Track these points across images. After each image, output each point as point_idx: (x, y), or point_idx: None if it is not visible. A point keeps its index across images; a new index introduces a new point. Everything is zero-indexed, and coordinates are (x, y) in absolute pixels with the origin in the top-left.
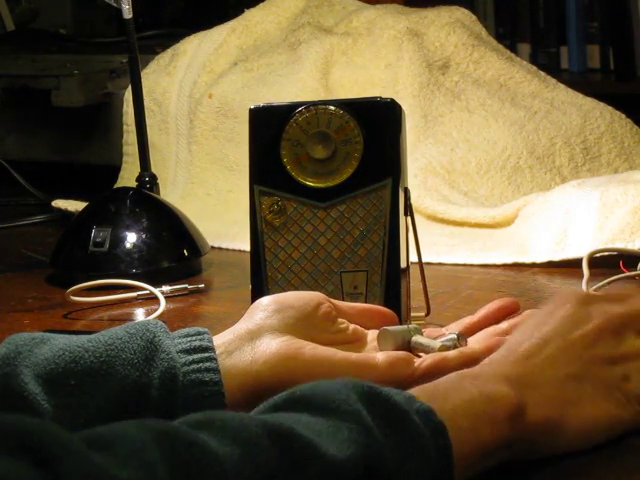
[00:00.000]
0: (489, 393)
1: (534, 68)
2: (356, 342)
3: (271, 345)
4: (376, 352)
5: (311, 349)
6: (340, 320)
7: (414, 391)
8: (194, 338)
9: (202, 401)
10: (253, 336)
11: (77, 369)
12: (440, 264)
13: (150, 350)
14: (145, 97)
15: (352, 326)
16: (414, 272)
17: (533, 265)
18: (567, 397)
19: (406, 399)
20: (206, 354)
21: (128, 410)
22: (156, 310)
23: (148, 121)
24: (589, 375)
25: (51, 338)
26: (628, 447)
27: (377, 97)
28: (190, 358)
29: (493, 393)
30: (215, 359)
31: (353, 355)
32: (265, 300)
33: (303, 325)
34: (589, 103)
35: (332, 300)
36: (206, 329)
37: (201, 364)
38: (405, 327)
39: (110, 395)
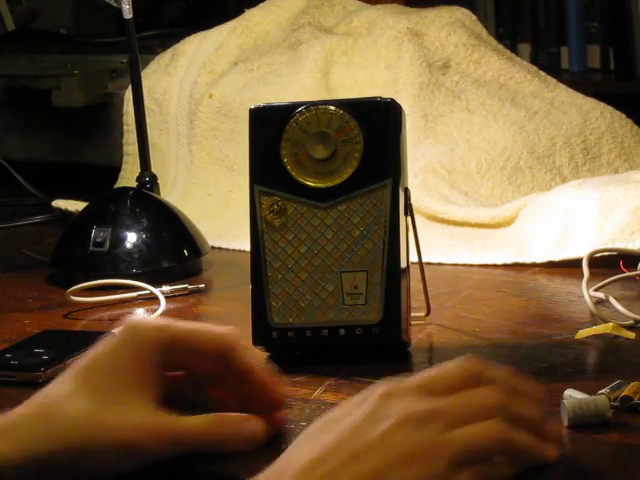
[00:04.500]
0: None
1: (534, 68)
2: None
3: None
4: None
5: None
6: None
7: None
8: None
9: None
10: None
11: None
12: (440, 264)
13: None
14: (145, 97)
15: None
16: (414, 272)
17: (533, 265)
18: None
19: None
20: None
21: None
22: (156, 310)
23: (148, 121)
24: None
25: None
26: None
27: (377, 97)
28: None
29: None
30: None
31: None
32: None
33: None
34: (589, 103)
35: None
36: None
37: None
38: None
39: None
